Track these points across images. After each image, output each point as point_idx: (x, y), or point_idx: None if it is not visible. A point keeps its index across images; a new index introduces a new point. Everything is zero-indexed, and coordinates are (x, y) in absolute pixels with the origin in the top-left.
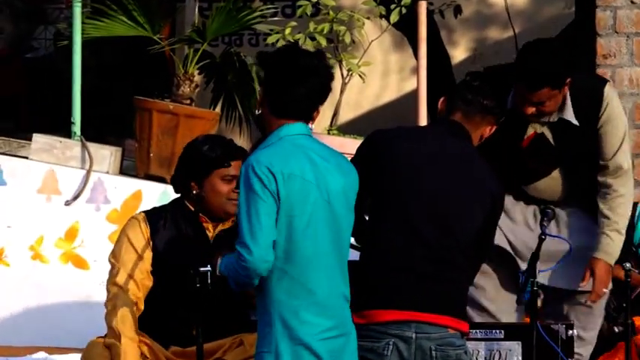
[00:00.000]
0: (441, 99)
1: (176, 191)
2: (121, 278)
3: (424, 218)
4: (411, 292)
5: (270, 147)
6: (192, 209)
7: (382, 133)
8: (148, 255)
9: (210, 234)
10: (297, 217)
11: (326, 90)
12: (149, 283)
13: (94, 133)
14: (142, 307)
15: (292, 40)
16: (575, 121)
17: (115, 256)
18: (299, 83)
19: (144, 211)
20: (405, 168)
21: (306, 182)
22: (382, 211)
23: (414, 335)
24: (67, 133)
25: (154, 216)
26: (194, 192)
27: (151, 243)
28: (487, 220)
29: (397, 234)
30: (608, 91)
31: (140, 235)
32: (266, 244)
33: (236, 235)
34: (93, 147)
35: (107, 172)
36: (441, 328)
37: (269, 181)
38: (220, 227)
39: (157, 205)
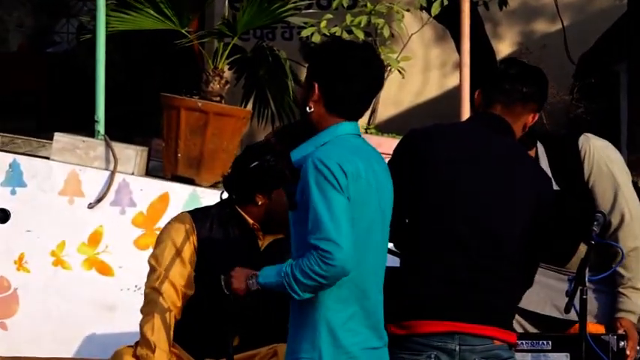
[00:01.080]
0: (477, 91)
1: (230, 195)
2: (161, 284)
3: (467, 225)
4: (454, 302)
5: (332, 145)
6: (243, 214)
7: (419, 133)
8: (193, 259)
9: (262, 242)
10: (359, 220)
11: (381, 85)
12: (190, 292)
13: (118, 132)
14: (179, 316)
15: (328, 34)
16: (554, 186)
17: (156, 259)
18: (359, 79)
19: (189, 212)
20: (445, 170)
21: (369, 185)
22: (422, 217)
23: (457, 347)
24: (91, 132)
25: (200, 218)
26: (259, 203)
27: (197, 247)
28: (536, 223)
29: (438, 241)
30: (584, 141)
31: (185, 238)
32: (351, 241)
33: (287, 246)
34: (117, 147)
35: (132, 174)
36: (486, 340)
37: (343, 178)
38: (272, 237)
39: (185, 208)
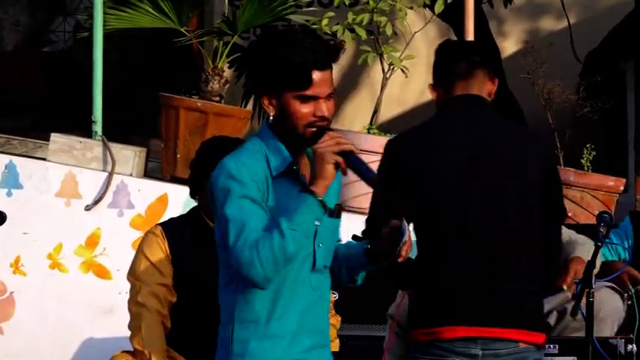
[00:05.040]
0: (429, 88)
1: (193, 198)
2: (143, 296)
3: (476, 227)
4: (476, 307)
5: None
6: (203, 216)
7: (399, 145)
8: (169, 270)
9: None
10: None
11: None
12: (173, 298)
13: (116, 132)
14: (168, 324)
15: (330, 33)
16: None
17: (133, 275)
18: None
19: (160, 224)
20: (439, 176)
21: None
22: (430, 227)
23: (480, 352)
24: (88, 133)
25: (171, 228)
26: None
27: (171, 257)
28: (542, 191)
29: (452, 249)
30: None
31: (158, 250)
32: None
33: None
34: (115, 147)
35: (131, 175)
36: (510, 343)
37: None
38: None
39: (184, 209)
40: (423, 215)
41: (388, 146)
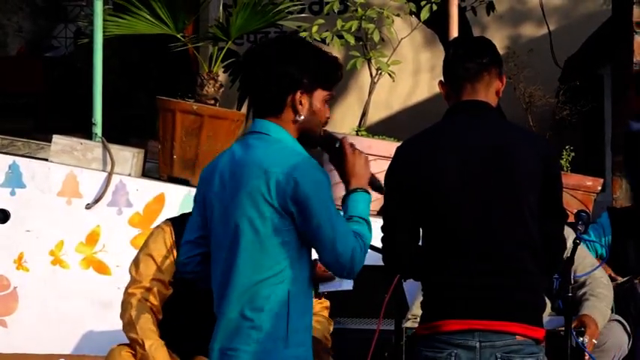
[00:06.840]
0: (439, 84)
1: None
2: (135, 288)
3: (473, 227)
4: (474, 301)
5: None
6: None
7: (403, 150)
8: (170, 266)
9: None
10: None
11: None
12: (167, 292)
13: (115, 134)
14: (160, 316)
15: (319, 39)
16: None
17: (133, 266)
18: None
19: (170, 219)
20: (437, 180)
21: (212, 188)
22: (430, 229)
23: (477, 344)
24: (88, 135)
25: (180, 224)
26: None
27: (175, 253)
28: (545, 191)
29: (451, 248)
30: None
31: (162, 247)
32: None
33: None
34: (114, 148)
35: (129, 175)
36: (507, 336)
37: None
38: None
39: (180, 208)
40: (425, 217)
41: (396, 151)
